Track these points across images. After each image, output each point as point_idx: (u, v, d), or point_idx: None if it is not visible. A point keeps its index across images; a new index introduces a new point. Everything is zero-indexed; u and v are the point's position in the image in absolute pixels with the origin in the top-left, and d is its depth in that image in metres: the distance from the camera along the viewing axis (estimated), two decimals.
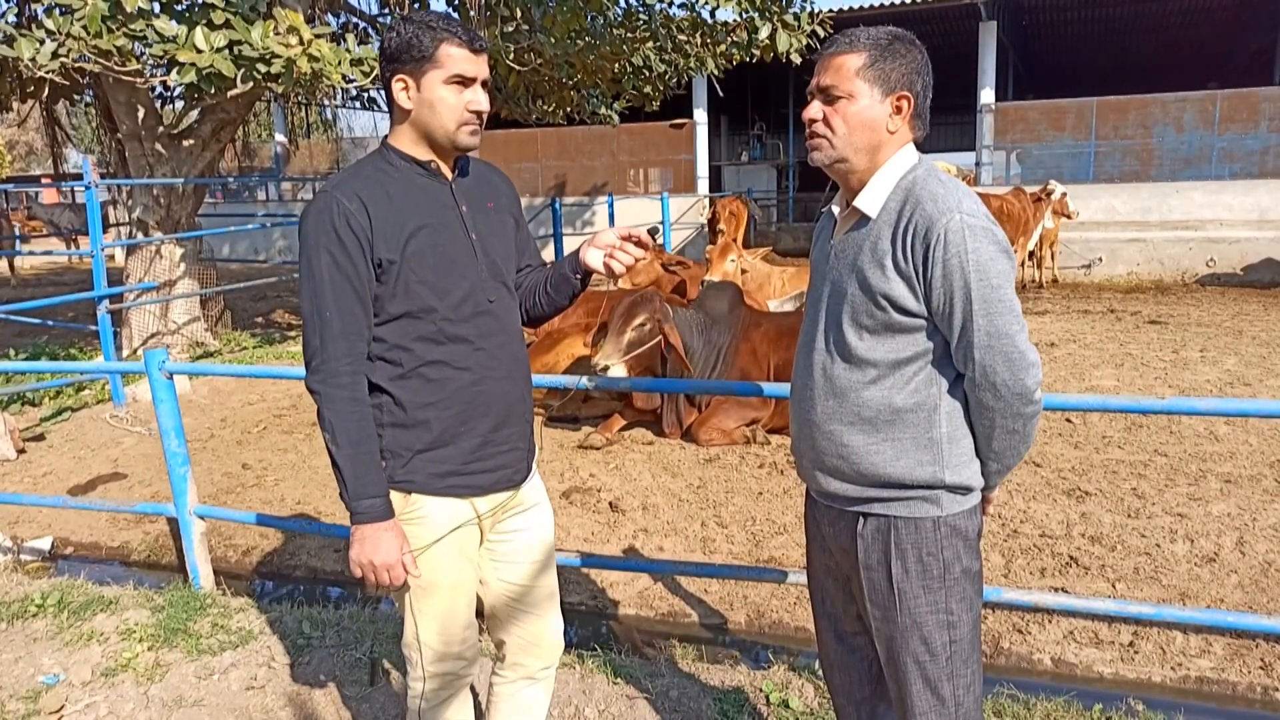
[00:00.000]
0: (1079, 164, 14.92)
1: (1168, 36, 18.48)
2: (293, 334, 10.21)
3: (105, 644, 3.36)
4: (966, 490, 1.73)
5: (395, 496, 1.91)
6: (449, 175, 1.96)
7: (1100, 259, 13.49)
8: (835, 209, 1.86)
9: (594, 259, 2.03)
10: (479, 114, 1.89)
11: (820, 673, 3.08)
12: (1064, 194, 12.09)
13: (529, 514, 2.13)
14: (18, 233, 18.62)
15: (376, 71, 6.49)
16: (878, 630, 1.80)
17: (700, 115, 17.56)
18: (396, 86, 1.85)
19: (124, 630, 3.43)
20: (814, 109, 1.72)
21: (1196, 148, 14.45)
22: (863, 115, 1.68)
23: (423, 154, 1.91)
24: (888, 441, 1.71)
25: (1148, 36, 18.48)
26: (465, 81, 1.85)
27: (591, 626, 3.86)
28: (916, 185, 1.67)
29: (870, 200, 1.71)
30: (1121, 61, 20.45)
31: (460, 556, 2.00)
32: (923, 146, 1.82)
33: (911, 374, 1.69)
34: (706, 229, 13.80)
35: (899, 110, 1.69)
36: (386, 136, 1.96)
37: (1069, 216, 12.45)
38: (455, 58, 1.83)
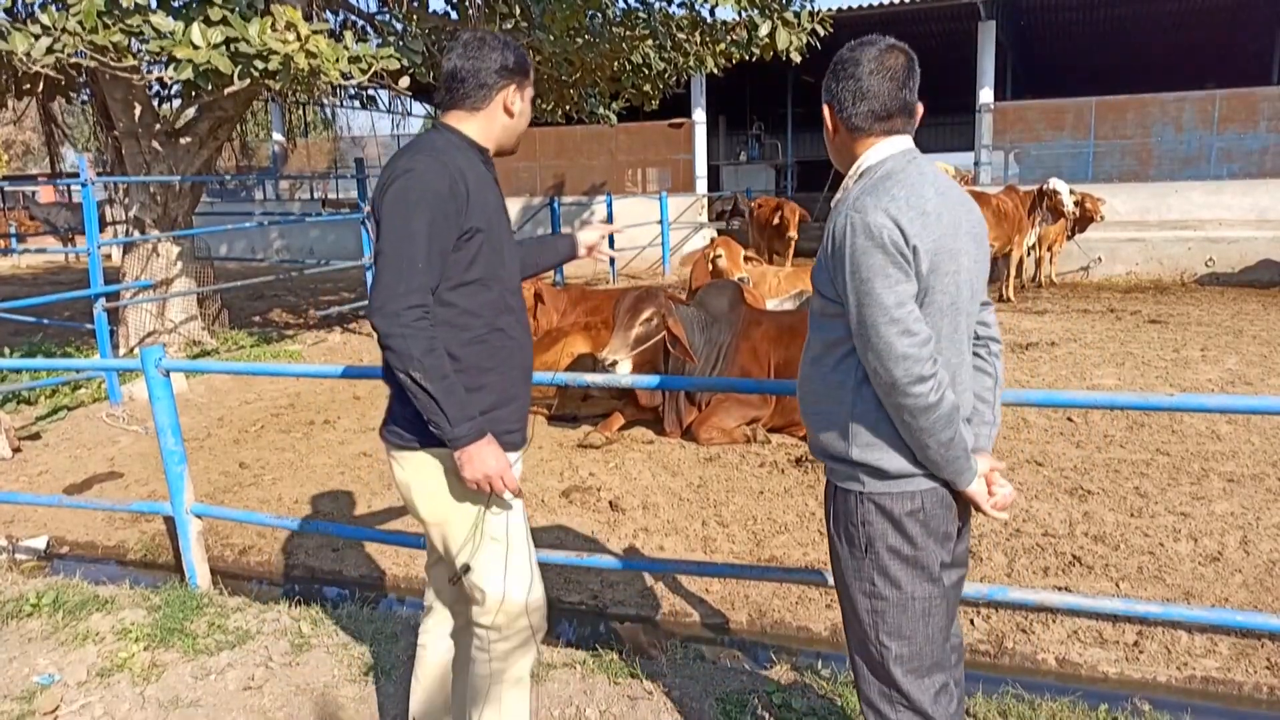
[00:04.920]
0: (1078, 164, 14.90)
1: (1165, 37, 18.47)
2: (290, 333, 10.18)
3: (101, 644, 3.33)
4: (882, 473, 1.81)
5: None
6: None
7: (1099, 259, 13.47)
8: None
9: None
10: None
11: (822, 673, 3.07)
12: (1057, 192, 11.64)
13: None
14: (14, 231, 18.58)
15: (375, 69, 6.48)
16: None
17: (699, 115, 17.53)
18: (509, 92, 2.13)
19: (120, 630, 3.39)
20: None
21: (1195, 148, 14.44)
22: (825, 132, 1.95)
23: (484, 143, 2.16)
24: (819, 415, 1.91)
25: (1146, 37, 18.47)
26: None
27: (592, 626, 3.83)
28: (849, 186, 1.85)
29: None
30: (1120, 61, 20.45)
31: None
32: (923, 147, 1.91)
33: (841, 355, 1.83)
34: (756, 225, 13.66)
35: (830, 122, 1.90)
36: (444, 119, 2.16)
37: (1091, 217, 12.10)
38: (533, 78, 2.21)
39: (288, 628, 3.38)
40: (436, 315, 2.01)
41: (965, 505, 1.90)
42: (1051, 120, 15.22)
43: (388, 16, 9.56)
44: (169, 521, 4.53)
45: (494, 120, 2.14)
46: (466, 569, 2.13)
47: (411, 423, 2.06)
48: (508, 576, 2.14)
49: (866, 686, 1.93)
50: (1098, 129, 14.86)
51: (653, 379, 3.28)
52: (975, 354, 1.96)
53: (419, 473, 2.13)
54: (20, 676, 3.13)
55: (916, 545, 1.83)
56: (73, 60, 6.14)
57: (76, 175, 11.25)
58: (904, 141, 1.85)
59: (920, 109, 1.86)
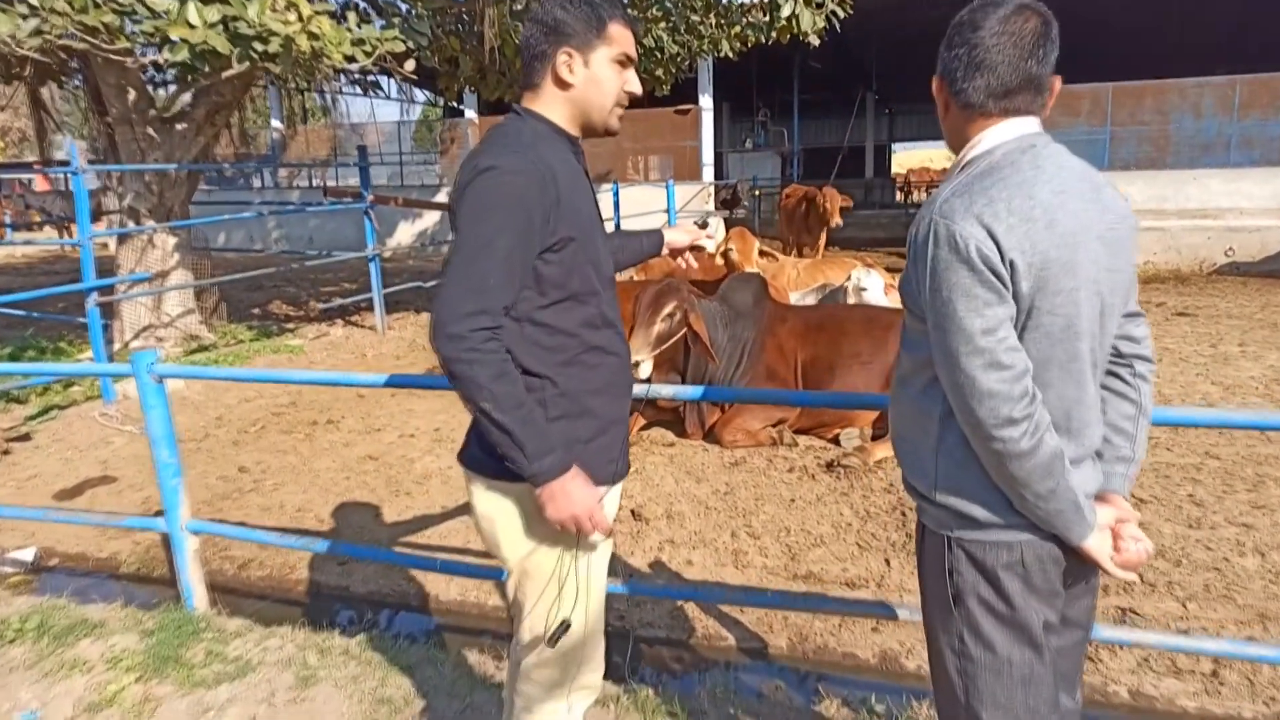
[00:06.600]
0: (1094, 151, 14.57)
1: (1184, 20, 18.10)
2: (290, 326, 9.89)
3: (89, 674, 3.06)
4: (971, 520, 1.54)
5: None
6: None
7: None
8: None
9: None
10: (631, 96, 1.86)
11: (877, 708, 2.81)
12: None
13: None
14: (9, 221, 18.28)
15: (379, 52, 6.17)
16: None
17: (706, 101, 17.19)
18: (560, 59, 1.76)
19: (110, 658, 3.13)
20: None
21: (1215, 134, 14.11)
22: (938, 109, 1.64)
23: (572, 131, 1.85)
24: (904, 444, 1.67)
25: (1164, 20, 18.10)
26: (626, 62, 1.81)
27: (619, 651, 3.56)
28: (951, 178, 1.57)
29: None
30: (1137, 46, 20.08)
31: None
32: (936, 135, 1.60)
33: (930, 379, 1.57)
34: (783, 215, 13.19)
35: (940, 99, 1.61)
36: (526, 105, 1.83)
37: None
38: (622, 37, 1.79)
39: (292, 657, 3.11)
40: (527, 335, 1.75)
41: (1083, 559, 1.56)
42: (1067, 106, 14.87)
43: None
44: (165, 535, 4.25)
45: (553, 94, 1.79)
46: (566, 626, 1.84)
47: None
48: (576, 621, 1.89)
49: None
50: (1114, 115, 14.54)
51: (696, 391, 3.00)
52: (1114, 374, 1.64)
53: (505, 506, 1.84)
54: (0, 712, 2.87)
55: (1014, 604, 1.53)
56: (62, 42, 5.83)
57: (68, 163, 10.94)
58: (1027, 124, 1.54)
59: (1057, 84, 1.55)
